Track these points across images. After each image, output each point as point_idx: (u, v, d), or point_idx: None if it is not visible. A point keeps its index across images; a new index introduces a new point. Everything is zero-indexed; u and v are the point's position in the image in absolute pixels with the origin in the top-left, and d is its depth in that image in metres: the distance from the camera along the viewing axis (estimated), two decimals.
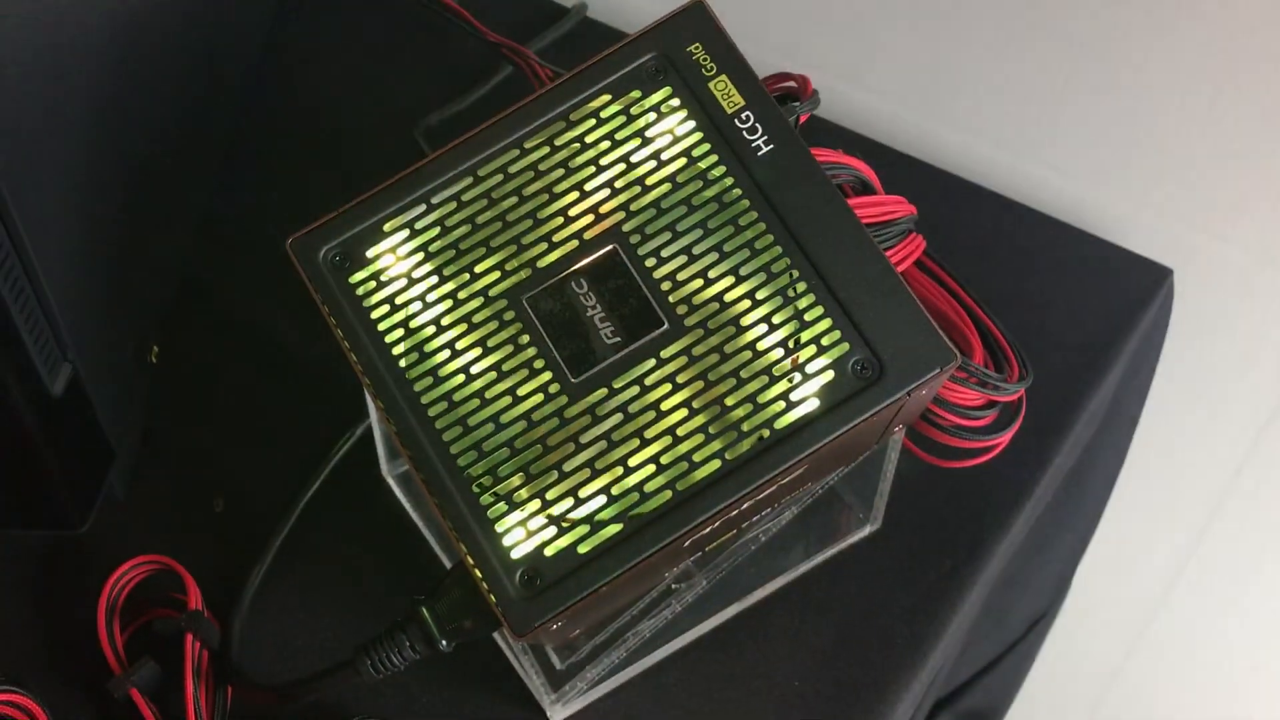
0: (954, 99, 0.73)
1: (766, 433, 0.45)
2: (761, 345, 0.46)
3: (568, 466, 0.45)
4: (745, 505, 0.46)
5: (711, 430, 0.45)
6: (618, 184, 0.47)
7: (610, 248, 0.47)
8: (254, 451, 0.61)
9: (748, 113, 0.48)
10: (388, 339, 0.47)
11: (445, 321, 0.47)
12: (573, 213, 0.47)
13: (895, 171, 0.55)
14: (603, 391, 0.46)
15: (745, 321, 0.46)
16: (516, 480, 0.45)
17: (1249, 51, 0.65)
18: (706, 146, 0.47)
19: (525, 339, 0.46)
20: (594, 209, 0.47)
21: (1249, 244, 0.70)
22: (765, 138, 0.47)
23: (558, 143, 0.48)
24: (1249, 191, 0.69)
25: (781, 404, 0.45)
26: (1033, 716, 0.87)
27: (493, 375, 0.46)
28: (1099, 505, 0.78)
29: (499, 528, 0.45)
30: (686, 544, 0.46)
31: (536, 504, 0.45)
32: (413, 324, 0.47)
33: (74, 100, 0.52)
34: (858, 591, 0.58)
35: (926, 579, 0.59)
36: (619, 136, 0.48)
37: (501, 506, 0.45)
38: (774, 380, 0.45)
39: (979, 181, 0.72)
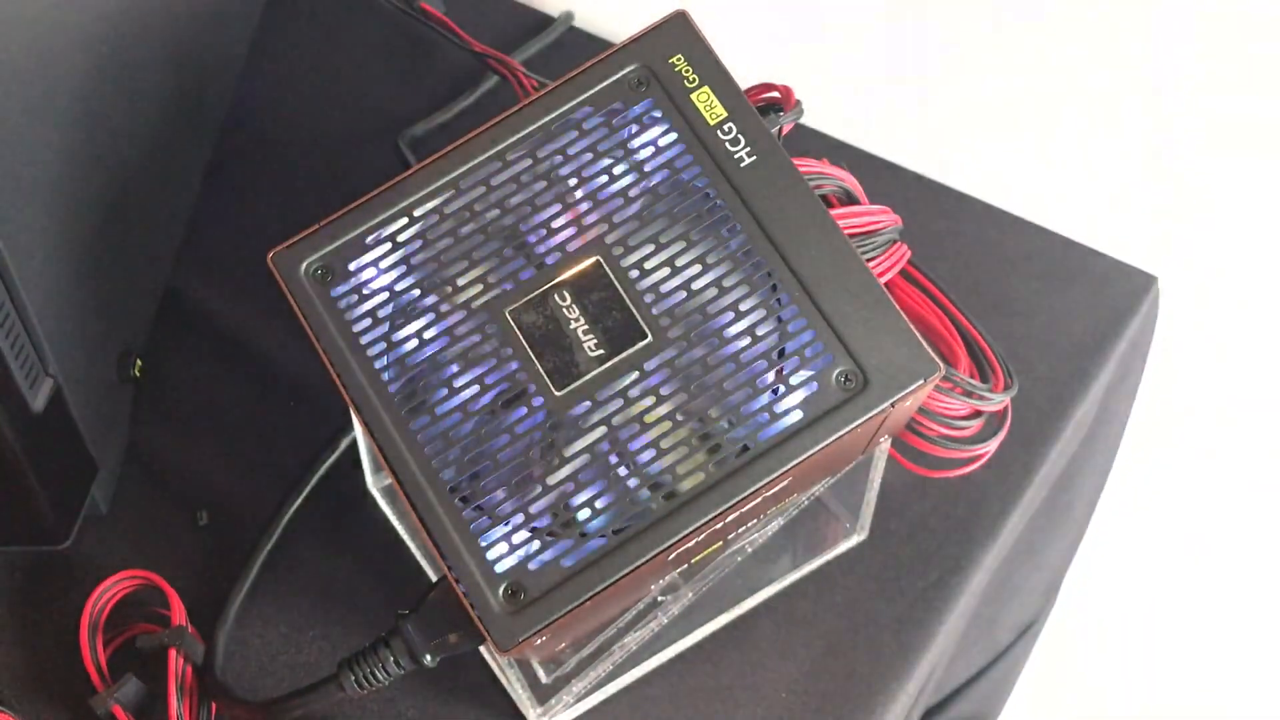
0: (939, 107, 0.73)
1: (750, 445, 0.45)
2: (745, 357, 0.46)
3: (551, 480, 0.45)
4: (730, 518, 0.46)
5: (695, 443, 0.45)
6: (600, 196, 0.47)
7: (593, 260, 0.47)
8: (238, 465, 0.61)
9: (730, 124, 0.48)
10: (370, 353, 0.46)
11: (428, 335, 0.46)
12: (555, 225, 0.47)
13: (880, 180, 0.55)
14: (586, 404, 0.45)
15: (729, 333, 0.46)
16: (500, 494, 0.45)
17: (1232, 60, 0.65)
18: (689, 158, 0.47)
19: (508, 352, 0.46)
20: (577, 221, 0.47)
21: (1234, 251, 0.70)
22: (748, 149, 0.47)
23: (540, 155, 0.48)
24: (1233, 199, 0.69)
25: (765, 416, 0.45)
26: None
27: (476, 389, 0.46)
28: (1087, 512, 0.78)
29: (482, 542, 0.45)
30: (672, 557, 0.45)
31: (520, 517, 0.45)
32: (395, 337, 0.47)
33: (54, 110, 0.52)
34: (845, 602, 0.58)
35: (914, 589, 0.59)
36: (601, 148, 0.48)
37: (485, 520, 0.45)
38: (757, 392, 0.45)
39: (964, 190, 0.72)
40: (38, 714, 0.54)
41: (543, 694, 0.53)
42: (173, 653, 0.53)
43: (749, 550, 0.55)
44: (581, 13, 0.77)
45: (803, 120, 0.52)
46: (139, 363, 0.61)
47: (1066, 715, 0.97)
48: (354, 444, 0.59)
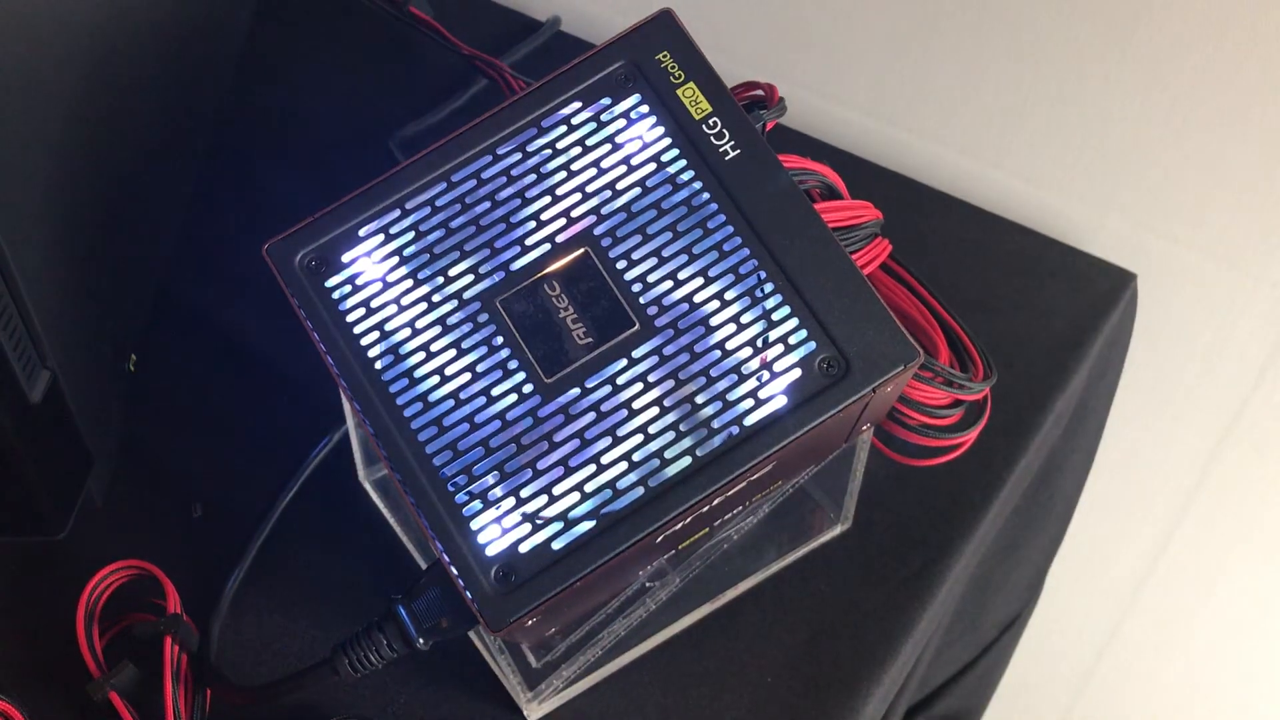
0: (922, 109, 0.75)
1: (736, 430, 0.46)
2: (730, 345, 0.47)
3: (542, 465, 0.46)
4: (716, 501, 0.47)
5: (682, 428, 0.46)
6: (589, 189, 0.48)
7: (582, 250, 0.48)
8: (232, 457, 0.62)
9: (715, 119, 0.49)
10: (363, 342, 0.47)
11: (420, 324, 0.47)
12: (545, 217, 0.48)
13: (865, 180, 0.56)
14: (575, 391, 0.47)
15: (714, 321, 0.47)
16: (491, 479, 0.46)
17: (1208, 60, 0.66)
18: (675, 152, 0.49)
19: (499, 340, 0.47)
20: (566, 213, 0.48)
21: (1210, 248, 0.71)
22: (732, 143, 0.48)
23: (530, 149, 0.49)
24: (1210, 197, 0.70)
25: (750, 401, 0.46)
26: (1007, 719, 0.88)
27: (467, 376, 0.47)
28: (1069, 508, 0.79)
29: (474, 525, 0.45)
30: (659, 540, 0.46)
31: (511, 502, 0.46)
32: (388, 327, 0.47)
33: (51, 109, 0.53)
34: (829, 590, 0.59)
35: (896, 577, 0.60)
36: (590, 143, 0.49)
37: (477, 505, 0.46)
38: (743, 379, 0.46)
39: (946, 190, 0.73)
40: (35, 701, 0.55)
41: (533, 679, 0.54)
42: (168, 640, 0.54)
43: (735, 538, 0.56)
44: (568, 17, 0.78)
45: (788, 122, 0.53)
46: (134, 357, 0.62)
47: (1051, 711, 0.98)
48: (346, 437, 0.60)
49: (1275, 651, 0.88)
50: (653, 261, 0.48)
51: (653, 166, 0.48)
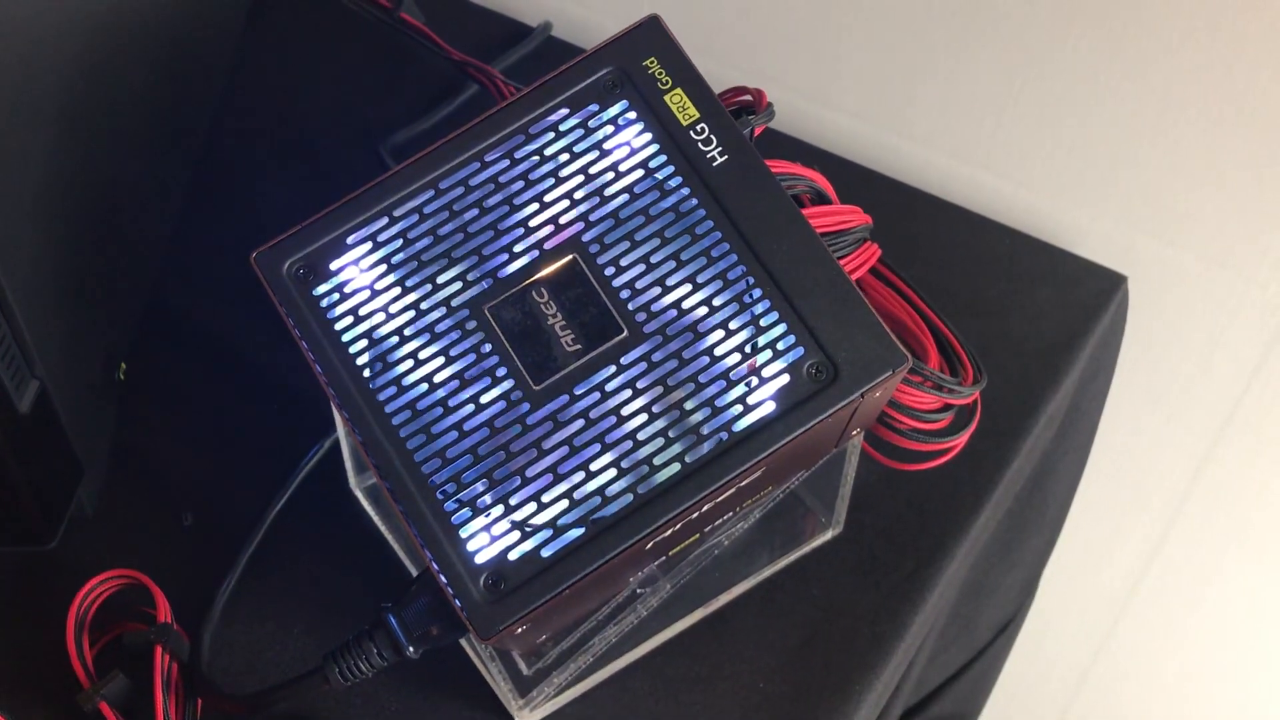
0: (910, 113, 0.75)
1: (725, 436, 0.46)
2: (719, 350, 0.47)
3: (530, 472, 0.46)
4: (706, 507, 0.47)
5: (671, 434, 0.46)
6: (577, 195, 0.48)
7: (570, 257, 0.48)
8: (222, 466, 0.62)
9: (703, 124, 0.49)
10: (352, 350, 0.47)
11: (408, 332, 0.47)
12: (533, 224, 0.48)
13: (854, 185, 0.56)
14: (564, 398, 0.46)
15: (702, 328, 0.47)
16: (480, 486, 0.46)
17: (1198, 61, 0.66)
18: (663, 158, 0.48)
19: (487, 348, 0.47)
20: (553, 220, 0.48)
21: (1200, 250, 0.71)
22: (720, 149, 0.48)
23: (517, 155, 0.49)
24: (1199, 199, 0.70)
25: (739, 407, 0.46)
26: None
27: (455, 384, 0.47)
28: (1062, 510, 0.79)
29: (463, 533, 0.45)
30: (649, 547, 0.46)
31: (500, 509, 0.46)
32: (376, 335, 0.47)
33: (40, 119, 0.53)
34: (821, 594, 0.59)
35: (888, 581, 0.60)
36: (577, 149, 0.49)
37: (466, 513, 0.46)
38: (731, 384, 0.46)
39: (936, 193, 0.73)
40: (25, 712, 0.54)
41: (524, 686, 0.54)
42: (158, 649, 0.54)
43: (726, 544, 0.56)
44: (560, 22, 0.78)
45: (777, 126, 0.53)
46: (123, 366, 0.62)
47: (1047, 713, 0.98)
48: (337, 445, 0.60)
49: (1270, 652, 0.88)
50: (641, 268, 0.48)
51: (640, 173, 0.48)
